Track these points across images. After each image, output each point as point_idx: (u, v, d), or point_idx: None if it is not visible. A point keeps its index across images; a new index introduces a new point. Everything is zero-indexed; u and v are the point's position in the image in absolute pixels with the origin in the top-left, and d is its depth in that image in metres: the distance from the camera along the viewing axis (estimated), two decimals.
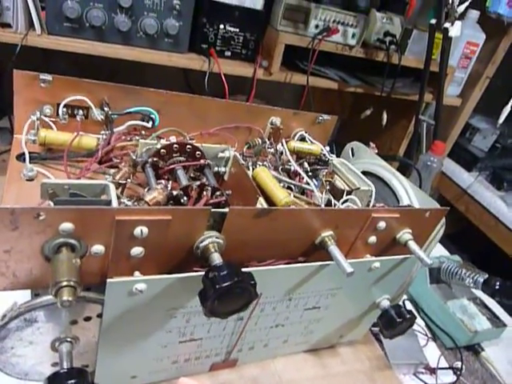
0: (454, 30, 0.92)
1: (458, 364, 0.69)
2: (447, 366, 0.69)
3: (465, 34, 1.08)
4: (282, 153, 0.62)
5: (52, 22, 0.77)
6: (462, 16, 0.96)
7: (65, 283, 0.31)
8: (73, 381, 0.34)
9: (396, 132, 1.24)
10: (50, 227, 0.33)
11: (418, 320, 0.75)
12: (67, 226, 0.33)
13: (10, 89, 0.51)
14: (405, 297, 0.79)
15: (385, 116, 1.09)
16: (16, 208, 0.31)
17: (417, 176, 0.84)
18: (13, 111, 0.52)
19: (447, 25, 0.92)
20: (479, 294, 0.81)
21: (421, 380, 0.65)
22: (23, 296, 0.38)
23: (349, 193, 0.54)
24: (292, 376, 0.55)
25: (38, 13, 0.76)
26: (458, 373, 0.68)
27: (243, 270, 0.37)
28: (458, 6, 0.91)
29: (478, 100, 1.23)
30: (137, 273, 0.38)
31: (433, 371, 0.67)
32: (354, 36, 0.99)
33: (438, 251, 0.96)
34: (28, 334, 0.37)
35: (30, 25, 0.77)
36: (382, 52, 1.02)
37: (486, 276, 0.73)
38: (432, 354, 0.70)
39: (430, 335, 0.73)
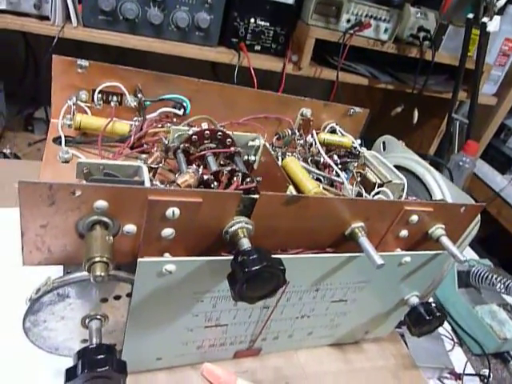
0: (493, 24, 0.89)
1: (485, 371, 0.66)
2: (473, 372, 0.66)
3: (503, 30, 1.04)
4: (311, 144, 0.61)
5: (88, 15, 0.79)
6: (500, 11, 0.93)
7: (98, 259, 0.32)
8: (101, 356, 0.35)
9: (427, 131, 1.21)
10: (85, 204, 0.34)
11: (445, 324, 0.73)
12: (101, 203, 0.34)
13: (46, 80, 0.52)
14: (431, 299, 0.77)
15: (416, 114, 1.07)
16: (54, 184, 0.32)
17: (448, 176, 0.81)
18: (49, 102, 0.53)
19: (485, 19, 0.90)
20: (510, 300, 0.78)
21: None
22: (57, 272, 0.39)
23: (380, 186, 0.53)
24: (315, 369, 0.54)
25: (75, 6, 0.78)
26: (485, 380, 0.65)
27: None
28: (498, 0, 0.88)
29: None
30: (166, 254, 0.38)
31: (458, 377, 0.64)
32: (386, 31, 0.97)
33: (468, 255, 0.93)
34: (60, 309, 0.38)
35: (67, 17, 0.79)
36: (415, 48, 1.00)
37: None
38: (458, 359, 0.67)
39: (456, 340, 0.71)
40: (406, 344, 0.64)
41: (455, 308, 0.75)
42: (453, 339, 0.71)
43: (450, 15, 1.03)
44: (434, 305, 0.52)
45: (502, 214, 1.30)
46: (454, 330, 0.74)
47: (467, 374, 0.65)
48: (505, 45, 1.08)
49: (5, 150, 0.91)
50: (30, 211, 0.33)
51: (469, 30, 0.95)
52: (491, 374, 0.66)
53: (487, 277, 0.75)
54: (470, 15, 0.92)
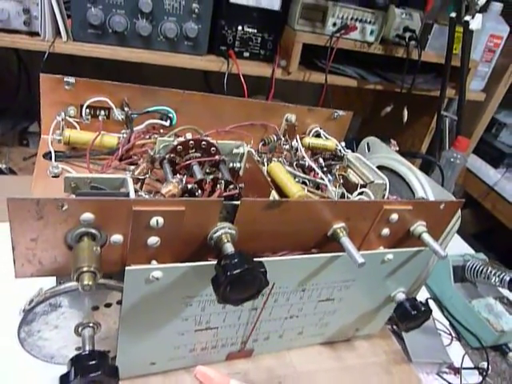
0: (475, 22, 0.91)
1: (484, 364, 0.67)
2: (472, 366, 0.67)
3: (488, 26, 1.06)
4: (297, 149, 0.63)
5: (77, 30, 0.81)
6: (484, 8, 0.94)
7: (86, 269, 0.33)
8: (94, 362, 0.36)
9: (418, 129, 1.23)
10: (72, 217, 0.35)
11: (442, 319, 0.74)
12: (88, 216, 0.35)
13: (39, 94, 0.54)
14: (428, 295, 0.78)
15: (405, 113, 1.08)
16: (41, 199, 0.34)
17: (439, 173, 0.82)
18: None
19: (467, 18, 0.91)
20: (506, 293, 0.79)
21: (444, 380, 0.63)
22: (50, 283, 0.40)
23: (363, 186, 0.55)
24: (307, 367, 0.56)
25: (64, 21, 0.80)
26: (484, 373, 0.65)
27: (255, 259, 0.39)
28: None
29: (503, 94, 1.20)
30: (154, 262, 0.40)
31: (457, 371, 0.64)
32: (372, 33, 0.99)
33: (463, 249, 0.94)
34: (53, 319, 0.39)
35: (57, 32, 0.81)
36: (402, 48, 1.02)
37: None
38: (456, 353, 0.68)
39: (454, 334, 0.71)
40: (402, 340, 0.65)
41: (452, 303, 0.76)
42: (450, 334, 0.71)
43: (434, 14, 1.04)
44: (427, 302, 0.53)
45: (496, 207, 1.31)
46: (451, 324, 0.74)
47: (466, 368, 0.65)
48: (490, 41, 1.10)
49: (0, 165, 0.93)
50: (20, 226, 0.34)
51: (452, 28, 0.96)
52: (490, 367, 0.66)
53: (482, 270, 0.75)
54: (453, 14, 0.94)
